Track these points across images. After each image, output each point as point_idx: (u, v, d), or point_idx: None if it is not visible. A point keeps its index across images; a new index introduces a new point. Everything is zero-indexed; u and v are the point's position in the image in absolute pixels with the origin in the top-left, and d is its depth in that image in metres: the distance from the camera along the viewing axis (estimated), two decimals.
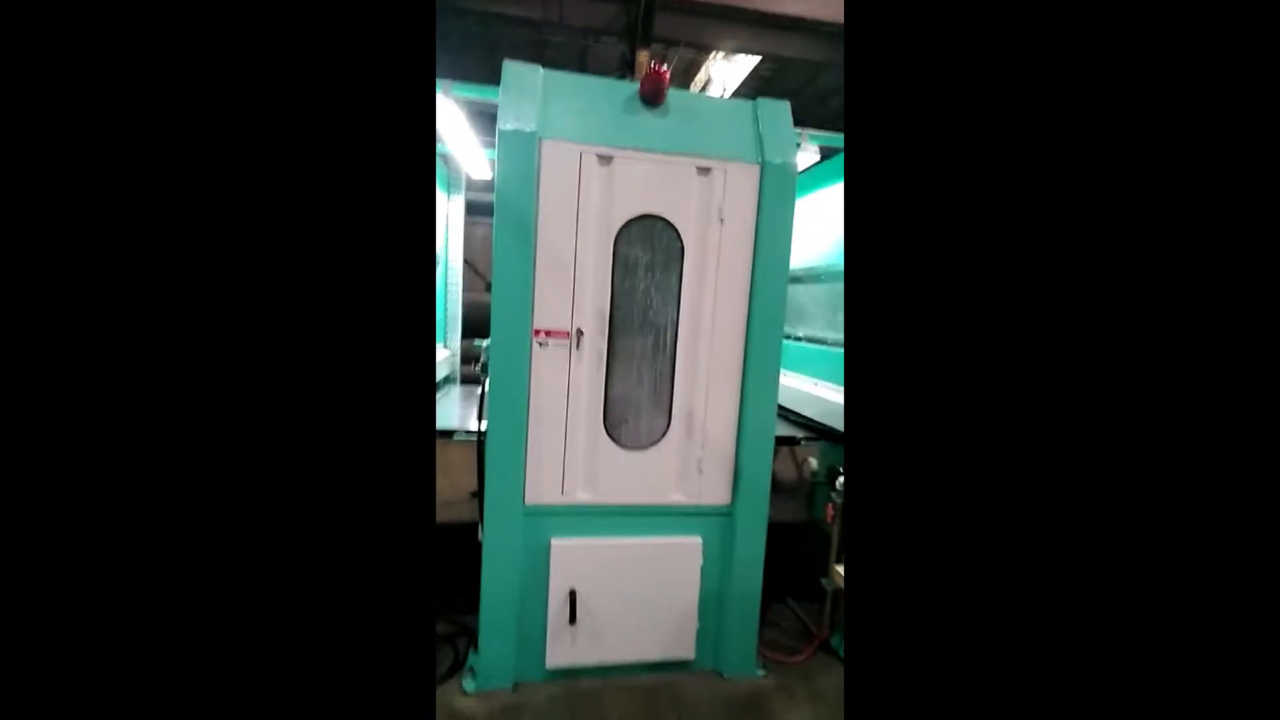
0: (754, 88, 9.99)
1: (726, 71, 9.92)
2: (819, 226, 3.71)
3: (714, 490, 2.81)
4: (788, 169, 2.69)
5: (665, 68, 2.59)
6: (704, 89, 11.06)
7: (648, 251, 2.66)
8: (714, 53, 8.93)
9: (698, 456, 2.78)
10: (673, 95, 2.66)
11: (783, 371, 4.15)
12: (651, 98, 2.61)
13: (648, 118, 2.62)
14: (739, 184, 2.66)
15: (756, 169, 2.66)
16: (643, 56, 7.58)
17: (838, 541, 3.05)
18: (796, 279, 4.05)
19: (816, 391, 3.47)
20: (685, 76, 10.92)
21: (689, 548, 2.79)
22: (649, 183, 2.59)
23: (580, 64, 8.79)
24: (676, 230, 2.64)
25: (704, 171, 2.63)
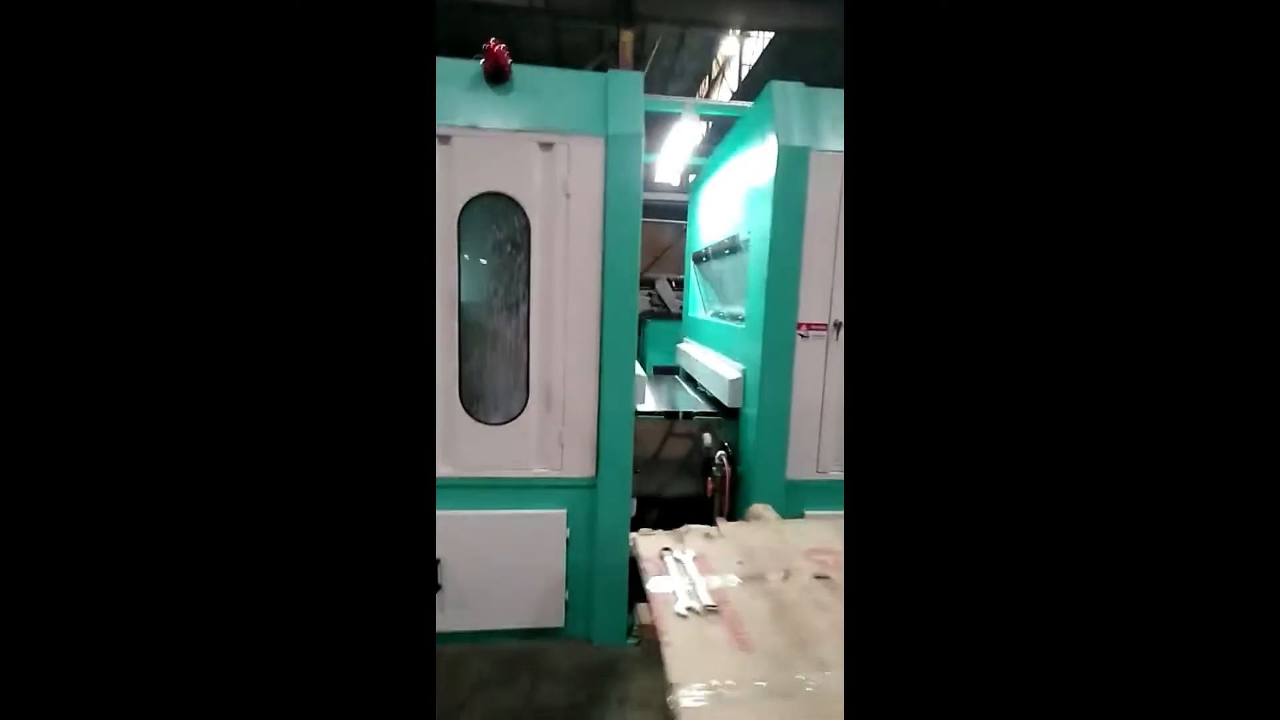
0: (770, 64, 9.70)
1: (744, 48, 9.72)
2: (731, 198, 3.64)
3: (576, 463, 2.85)
4: (634, 140, 2.67)
5: (503, 46, 2.61)
6: (723, 67, 10.85)
7: (495, 229, 2.71)
8: (723, 29, 8.74)
9: (558, 430, 2.82)
10: (519, 71, 2.68)
11: (702, 348, 4.13)
12: (495, 75, 2.65)
13: (489, 96, 2.65)
14: (584, 158, 2.67)
15: (601, 142, 2.66)
16: (625, 37, 7.55)
17: (715, 514, 3.03)
18: (720, 254, 4.00)
19: (717, 368, 3.43)
20: (705, 56, 10.70)
21: (553, 519, 2.85)
22: (489, 160, 2.63)
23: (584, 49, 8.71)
24: (521, 207, 2.68)
25: (546, 146, 2.65)
